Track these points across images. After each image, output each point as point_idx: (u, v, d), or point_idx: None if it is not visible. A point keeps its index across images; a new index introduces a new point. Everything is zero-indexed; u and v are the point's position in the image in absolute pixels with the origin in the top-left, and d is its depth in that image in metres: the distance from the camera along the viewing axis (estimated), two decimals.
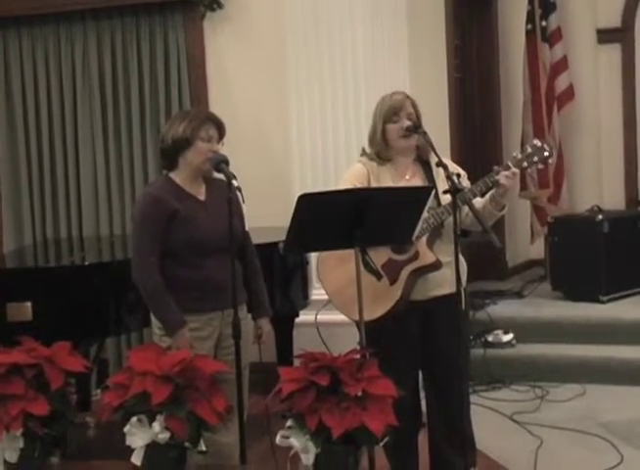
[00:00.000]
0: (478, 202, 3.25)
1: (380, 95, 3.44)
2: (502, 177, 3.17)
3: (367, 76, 5.13)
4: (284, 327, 4.79)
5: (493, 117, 6.98)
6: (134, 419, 2.46)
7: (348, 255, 2.97)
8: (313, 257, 4.25)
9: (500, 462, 4.07)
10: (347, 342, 3.02)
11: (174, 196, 3.24)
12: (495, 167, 3.22)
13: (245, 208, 3.06)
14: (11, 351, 2.65)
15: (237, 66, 5.67)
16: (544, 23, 6.53)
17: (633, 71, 6.90)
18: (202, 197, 3.31)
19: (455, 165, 3.39)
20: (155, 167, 5.70)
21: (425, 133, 3.25)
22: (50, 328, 3.72)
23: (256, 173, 5.26)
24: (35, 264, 5.02)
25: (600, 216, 5.94)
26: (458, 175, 3.05)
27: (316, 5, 5.11)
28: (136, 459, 2.48)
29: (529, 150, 3.25)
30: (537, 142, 3.27)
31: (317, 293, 4.33)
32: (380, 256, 3.26)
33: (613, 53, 6.90)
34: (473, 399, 4.34)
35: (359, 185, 3.29)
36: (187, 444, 2.48)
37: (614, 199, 6.86)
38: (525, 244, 6.98)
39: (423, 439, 3.57)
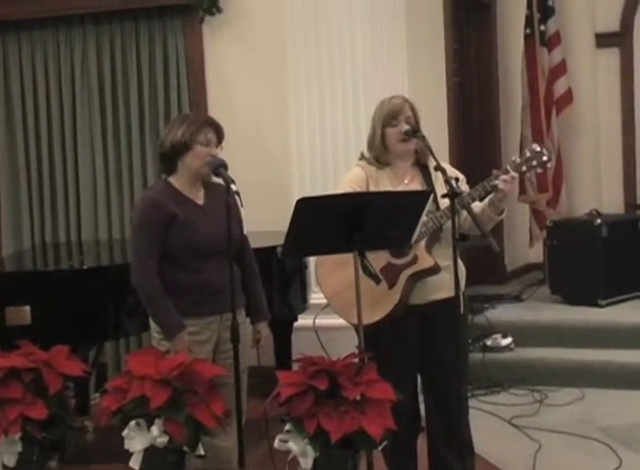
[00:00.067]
0: (476, 206, 3.25)
1: (378, 99, 3.44)
2: (501, 182, 3.17)
3: (366, 81, 5.14)
4: (282, 331, 4.79)
5: (492, 121, 6.99)
6: (133, 423, 2.46)
7: (347, 258, 2.97)
8: (312, 261, 4.25)
9: (499, 466, 4.07)
10: (346, 346, 3.02)
11: (173, 200, 3.24)
12: (494, 171, 3.23)
13: (243, 212, 3.06)
14: (9, 354, 2.66)
15: (236, 70, 5.68)
16: (543, 28, 6.54)
17: (632, 76, 6.91)
18: (200, 201, 3.31)
19: (454, 169, 3.39)
20: (154, 171, 5.70)
21: (423, 137, 3.25)
22: (49, 332, 3.72)
23: (255, 177, 5.27)
24: (34, 268, 5.01)
25: (599, 220, 5.94)
26: (457, 179, 3.06)
27: (315, 9, 5.11)
28: (134, 463, 2.48)
29: (528, 154, 3.24)
30: (536, 146, 3.27)
31: (316, 297, 4.33)
32: (378, 259, 3.26)
33: (611, 57, 6.90)
34: (471, 403, 4.33)
35: (358, 189, 3.29)
36: (185, 448, 2.48)
37: (612, 203, 6.86)
38: (524, 248, 6.98)
39: (422, 443, 3.57)
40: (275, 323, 4.16)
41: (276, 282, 4.51)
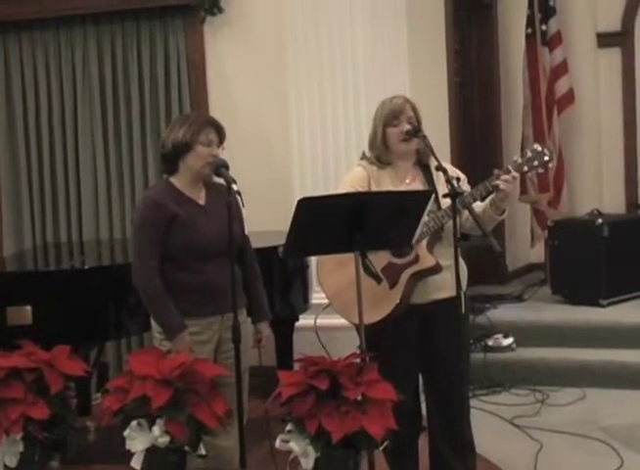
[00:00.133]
0: (478, 206, 3.25)
1: (380, 99, 3.44)
2: (502, 182, 3.17)
3: (367, 80, 5.14)
4: (284, 331, 4.79)
5: (493, 121, 6.99)
6: (134, 423, 2.46)
7: (348, 258, 2.97)
8: (313, 260, 4.25)
9: (500, 466, 4.07)
10: (347, 346, 3.02)
11: (174, 200, 3.24)
12: (495, 171, 3.22)
13: (244, 212, 3.06)
14: (11, 354, 2.66)
15: (237, 70, 5.68)
16: (544, 27, 6.54)
17: (633, 75, 6.91)
18: (201, 201, 3.32)
19: (455, 169, 3.39)
20: (155, 172, 5.70)
21: (425, 137, 3.25)
22: (50, 332, 3.72)
23: (256, 177, 5.26)
24: (35, 268, 5.02)
25: (600, 220, 5.94)
26: (458, 179, 3.05)
27: (316, 9, 5.11)
28: (136, 463, 2.48)
29: (530, 154, 3.24)
30: (537, 146, 3.27)
31: (317, 297, 4.33)
32: (380, 259, 3.25)
33: (613, 57, 6.91)
34: (473, 402, 4.33)
35: (360, 189, 3.29)
36: (187, 447, 2.48)
37: (614, 202, 6.86)
38: (526, 248, 6.98)
39: (423, 443, 3.57)
40: (276, 323, 4.16)
41: (277, 282, 4.51)
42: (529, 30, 6.56)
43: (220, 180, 3.18)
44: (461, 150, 6.14)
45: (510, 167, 3.21)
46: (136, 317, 3.92)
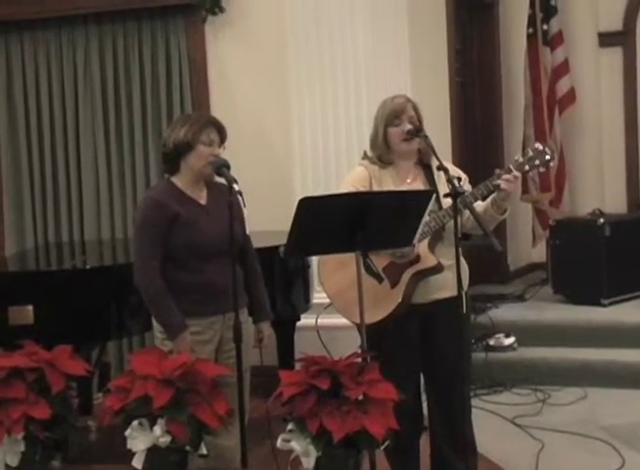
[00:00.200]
0: (479, 205, 3.25)
1: (381, 99, 3.44)
2: (503, 181, 3.16)
3: (368, 80, 5.14)
4: (285, 331, 4.79)
5: (494, 121, 6.99)
6: (135, 423, 2.46)
7: (349, 258, 2.97)
8: (314, 260, 4.25)
9: (501, 466, 4.07)
10: (349, 345, 3.02)
11: (176, 200, 3.24)
12: (497, 171, 3.22)
13: (246, 211, 3.06)
14: (12, 354, 2.66)
15: (238, 69, 5.68)
16: (545, 27, 6.53)
17: (635, 75, 6.90)
18: (203, 201, 3.32)
19: (456, 169, 3.39)
20: (156, 171, 5.71)
21: (426, 137, 3.25)
22: (51, 332, 3.72)
23: (258, 177, 5.27)
24: (37, 268, 5.02)
25: (602, 220, 5.93)
26: (459, 179, 3.05)
27: (317, 9, 5.11)
28: (137, 463, 2.48)
29: (531, 153, 3.24)
30: (539, 145, 3.27)
31: (318, 296, 4.33)
32: (381, 259, 3.25)
33: (614, 56, 6.90)
34: (474, 402, 4.34)
35: (361, 188, 3.29)
36: (188, 447, 2.48)
37: (615, 202, 6.86)
38: (527, 247, 6.98)
39: (424, 442, 3.57)
40: (278, 323, 4.17)
41: (279, 282, 4.51)
42: (531, 30, 6.55)
43: (221, 180, 3.18)
44: (462, 149, 6.14)
45: (511, 167, 3.21)
46: (137, 317, 3.93)
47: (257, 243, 3.56)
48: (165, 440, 2.44)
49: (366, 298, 2.93)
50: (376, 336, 3.09)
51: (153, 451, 2.46)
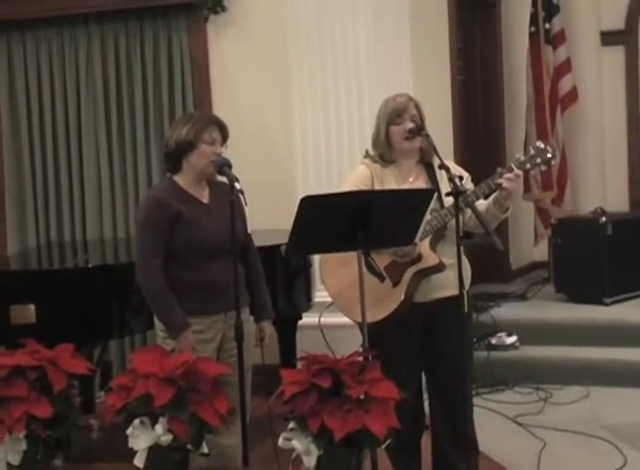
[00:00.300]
0: (481, 204, 3.24)
1: (382, 97, 3.44)
2: (505, 180, 3.16)
3: (370, 79, 5.14)
4: (287, 329, 4.79)
5: (496, 120, 6.98)
6: (137, 421, 2.47)
7: (351, 256, 2.97)
8: (316, 259, 4.24)
9: (503, 464, 4.07)
10: (351, 344, 3.02)
11: (178, 199, 3.25)
12: (498, 169, 3.22)
13: (247, 210, 3.06)
14: (14, 353, 2.66)
15: (240, 68, 5.68)
16: (548, 26, 6.52)
17: (637, 73, 6.89)
18: (205, 200, 3.32)
19: (458, 168, 3.39)
20: (158, 170, 5.71)
21: (428, 135, 3.25)
22: (53, 330, 3.72)
23: (259, 176, 5.27)
24: (39, 267, 5.02)
25: (604, 218, 5.93)
26: (461, 178, 3.05)
27: (319, 7, 5.11)
28: (139, 461, 2.48)
29: (532, 152, 3.24)
30: (540, 144, 3.27)
31: (320, 295, 4.32)
32: (383, 257, 3.26)
33: (616, 55, 6.88)
34: (476, 401, 4.34)
35: (363, 187, 3.29)
36: (189, 446, 2.48)
37: (617, 201, 6.84)
38: (529, 246, 6.97)
39: (426, 441, 3.57)
40: (279, 321, 4.17)
41: (280, 280, 4.51)
42: (533, 29, 6.55)
43: (223, 179, 3.18)
44: (464, 148, 6.14)
45: (513, 165, 3.21)
46: (139, 316, 3.93)
47: (259, 242, 3.56)
48: (167, 438, 2.44)
49: (368, 297, 2.93)
50: (377, 335, 3.09)
51: (154, 450, 2.46)
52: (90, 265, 4.60)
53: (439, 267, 3.27)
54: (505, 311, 5.90)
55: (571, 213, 6.50)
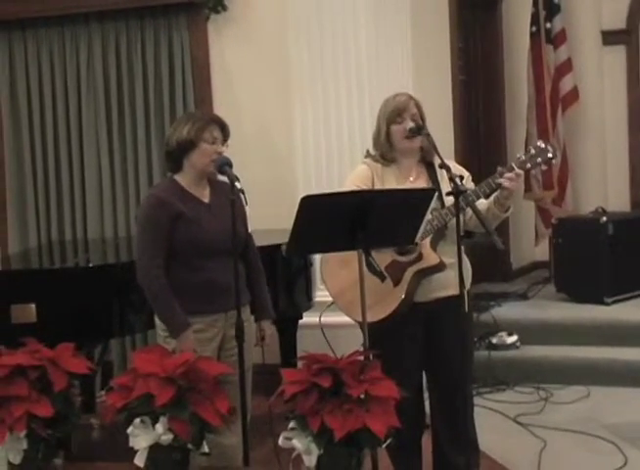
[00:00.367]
0: (482, 203, 3.24)
1: (383, 97, 3.44)
2: (506, 180, 3.16)
3: (371, 78, 5.13)
4: (287, 329, 4.79)
5: (497, 119, 6.98)
6: (137, 421, 2.46)
7: (352, 256, 2.97)
8: (317, 258, 4.25)
9: (503, 464, 4.07)
10: (351, 343, 3.02)
11: (179, 198, 3.25)
12: (499, 168, 3.22)
13: (248, 209, 3.06)
14: (15, 352, 2.66)
15: (241, 67, 5.68)
16: (549, 25, 6.52)
17: (638, 73, 6.90)
18: (206, 199, 3.32)
19: (459, 167, 3.39)
20: (159, 170, 5.71)
21: (428, 135, 3.25)
22: (54, 330, 3.72)
23: (260, 175, 5.27)
24: (40, 266, 5.02)
25: (604, 218, 5.93)
26: (461, 177, 3.05)
27: (319, 7, 5.11)
28: (139, 461, 2.48)
29: (533, 151, 3.24)
30: (541, 143, 3.27)
31: (321, 294, 4.33)
32: (383, 257, 3.26)
33: (617, 55, 6.89)
34: (477, 400, 4.33)
35: (363, 186, 3.29)
36: (190, 445, 2.48)
37: (618, 200, 6.85)
38: (530, 246, 6.97)
39: (426, 440, 3.57)
40: (280, 321, 4.17)
41: (281, 280, 4.51)
42: (534, 28, 6.55)
43: (224, 178, 3.18)
44: (465, 148, 6.14)
45: (513, 165, 3.21)
46: (140, 315, 3.92)
47: (260, 241, 3.56)
48: (167, 438, 2.44)
49: (368, 296, 2.93)
50: (378, 334, 3.09)
51: (155, 449, 2.46)
52: (91, 265, 4.60)
53: (440, 267, 3.27)
54: (506, 311, 5.90)
55: (571, 213, 6.50)
